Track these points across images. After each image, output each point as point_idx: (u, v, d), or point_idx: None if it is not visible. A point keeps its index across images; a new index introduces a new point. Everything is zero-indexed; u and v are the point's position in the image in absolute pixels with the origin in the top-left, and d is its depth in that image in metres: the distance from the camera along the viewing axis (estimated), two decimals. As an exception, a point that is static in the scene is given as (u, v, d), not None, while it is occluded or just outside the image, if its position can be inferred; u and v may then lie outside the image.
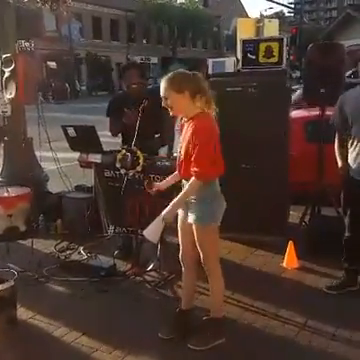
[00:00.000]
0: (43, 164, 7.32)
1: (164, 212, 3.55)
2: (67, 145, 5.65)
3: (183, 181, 3.70)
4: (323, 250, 5.23)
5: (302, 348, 3.72)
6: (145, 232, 4.50)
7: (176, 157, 3.85)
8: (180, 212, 3.74)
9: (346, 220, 4.52)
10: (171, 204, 3.56)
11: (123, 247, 5.48)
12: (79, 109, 26.68)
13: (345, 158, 4.43)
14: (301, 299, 4.51)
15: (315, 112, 6.04)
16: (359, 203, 4.35)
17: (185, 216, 3.70)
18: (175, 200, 3.56)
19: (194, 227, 3.61)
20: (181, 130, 3.71)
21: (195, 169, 3.43)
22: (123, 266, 5.18)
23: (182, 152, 3.58)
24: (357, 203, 4.36)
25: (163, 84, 3.48)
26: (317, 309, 4.28)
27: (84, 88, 44.79)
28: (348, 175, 4.38)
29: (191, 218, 3.60)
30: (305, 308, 4.29)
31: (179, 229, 3.84)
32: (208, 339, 3.73)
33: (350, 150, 4.35)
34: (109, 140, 5.89)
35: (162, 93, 3.49)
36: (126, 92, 5.59)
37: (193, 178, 3.46)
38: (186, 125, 3.61)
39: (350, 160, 4.36)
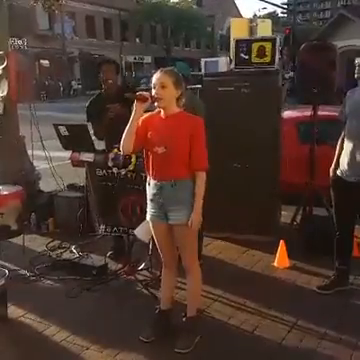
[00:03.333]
0: (35, 163, 7.29)
1: (193, 221, 3.49)
2: (59, 144, 5.64)
3: (154, 181, 3.61)
4: (314, 250, 5.26)
5: (293, 347, 3.73)
6: (136, 231, 4.51)
7: None
8: (152, 212, 3.70)
9: (335, 220, 4.54)
10: (196, 208, 3.50)
11: (115, 247, 5.48)
12: (72, 108, 26.59)
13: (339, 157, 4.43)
14: (292, 299, 4.53)
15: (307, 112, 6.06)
16: (348, 203, 4.37)
17: (163, 216, 3.64)
18: (197, 202, 3.51)
19: (183, 227, 3.54)
20: (149, 126, 3.61)
21: (204, 163, 3.55)
22: (114, 265, 5.18)
23: (172, 149, 3.49)
24: (346, 203, 4.39)
25: (166, 74, 3.51)
26: (308, 309, 4.30)
27: (80, 87, 44.51)
28: (337, 175, 4.41)
29: (181, 217, 3.54)
30: (296, 308, 4.30)
31: (155, 230, 3.76)
32: (191, 339, 3.74)
33: (343, 150, 4.36)
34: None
35: (162, 80, 3.47)
36: (101, 92, 5.54)
37: (202, 173, 3.54)
38: (163, 122, 3.58)
39: (341, 160, 4.38)
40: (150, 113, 3.65)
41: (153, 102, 3.50)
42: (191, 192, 3.55)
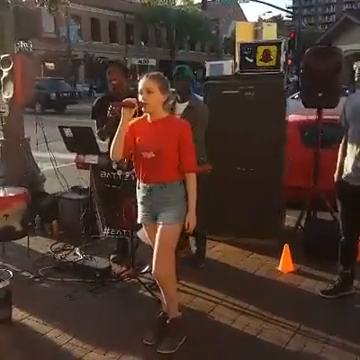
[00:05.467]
0: (40, 164, 7.31)
1: (190, 222, 3.57)
2: (64, 146, 5.65)
3: (143, 184, 3.66)
4: (318, 254, 5.25)
5: (296, 352, 3.72)
6: (139, 234, 4.51)
7: None
8: (143, 215, 3.74)
9: (341, 224, 4.53)
10: (191, 209, 3.58)
11: (118, 250, 5.48)
12: (78, 110, 26.66)
13: (343, 162, 4.42)
14: (296, 303, 4.52)
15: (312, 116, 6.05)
16: (353, 207, 4.36)
17: (153, 218, 3.68)
18: (192, 204, 3.59)
19: (168, 227, 3.57)
20: (137, 131, 3.64)
21: (194, 165, 3.61)
22: (118, 268, 5.18)
23: (160, 154, 3.52)
24: (351, 207, 4.38)
25: (152, 79, 3.53)
26: (312, 313, 4.29)
27: (87, 89, 44.43)
28: (342, 180, 4.40)
29: (169, 218, 3.57)
30: (300, 312, 4.29)
31: (148, 232, 3.80)
32: (174, 341, 3.74)
33: (347, 154, 4.35)
34: (106, 142, 5.86)
35: (148, 86, 3.50)
36: (111, 93, 5.45)
37: (192, 174, 3.60)
38: (151, 127, 3.61)
39: (345, 164, 4.37)
40: (137, 118, 3.67)
41: (140, 108, 3.52)
42: (180, 194, 3.61)
